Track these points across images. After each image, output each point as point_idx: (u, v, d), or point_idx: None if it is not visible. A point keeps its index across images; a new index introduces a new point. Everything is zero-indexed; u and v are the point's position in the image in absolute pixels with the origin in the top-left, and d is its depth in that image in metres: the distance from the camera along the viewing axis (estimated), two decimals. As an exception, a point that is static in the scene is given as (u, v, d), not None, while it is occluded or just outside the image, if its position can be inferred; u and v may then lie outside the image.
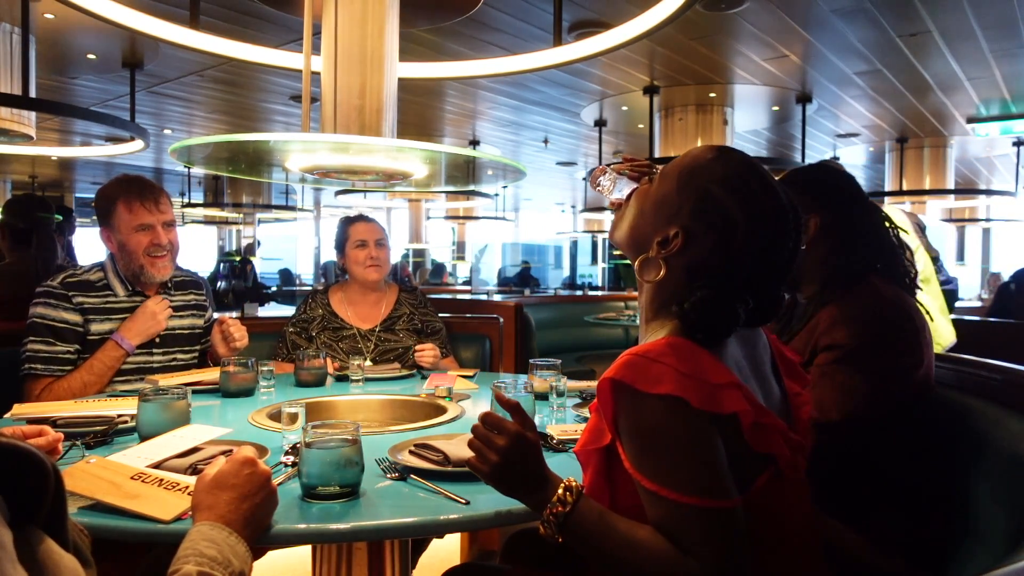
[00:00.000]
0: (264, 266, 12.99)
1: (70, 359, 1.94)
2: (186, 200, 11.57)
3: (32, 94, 4.10)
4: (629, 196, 1.09)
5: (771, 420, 0.95)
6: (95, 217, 2.16)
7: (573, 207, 15.65)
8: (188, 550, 0.88)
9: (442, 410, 1.74)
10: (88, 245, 9.15)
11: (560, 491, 0.94)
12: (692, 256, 0.99)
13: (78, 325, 1.97)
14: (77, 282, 2.02)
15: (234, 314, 2.73)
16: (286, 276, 12.50)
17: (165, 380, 1.91)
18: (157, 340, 2.09)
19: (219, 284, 8.95)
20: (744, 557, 0.89)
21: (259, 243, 12.98)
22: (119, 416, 1.52)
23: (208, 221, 14.57)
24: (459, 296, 7.38)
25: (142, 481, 1.07)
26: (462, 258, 14.13)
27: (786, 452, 0.94)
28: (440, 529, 1.13)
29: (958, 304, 9.44)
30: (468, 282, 12.57)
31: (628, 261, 1.12)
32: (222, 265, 10.12)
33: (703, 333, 0.96)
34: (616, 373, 0.92)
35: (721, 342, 0.98)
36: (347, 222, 2.57)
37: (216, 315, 2.27)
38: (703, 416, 0.89)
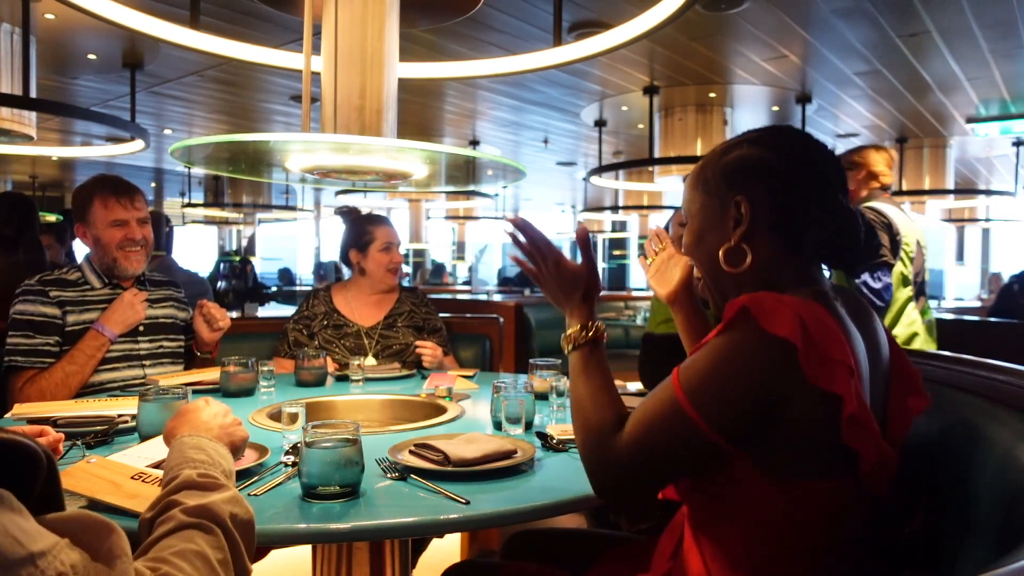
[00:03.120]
0: (264, 266, 12.99)
1: (51, 351, 1.96)
2: (186, 200, 11.56)
3: (32, 94, 4.10)
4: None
5: (872, 421, 0.91)
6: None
7: (573, 207, 15.65)
8: (177, 459, 0.89)
9: (442, 410, 1.74)
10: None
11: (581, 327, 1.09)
12: (766, 211, 1.02)
13: (56, 318, 1.99)
14: (54, 279, 2.06)
15: (234, 314, 2.73)
16: (285, 276, 12.45)
17: (165, 380, 1.92)
18: (141, 328, 2.11)
19: (219, 284, 8.95)
20: (653, 469, 0.95)
21: (248, 240, 12.92)
22: (119, 416, 1.52)
23: (208, 221, 14.57)
24: (459, 296, 7.38)
25: (142, 481, 1.07)
26: (462, 258, 14.13)
27: (872, 455, 0.91)
28: (440, 529, 1.13)
29: (958, 304, 9.44)
30: (468, 282, 12.57)
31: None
32: (222, 265, 10.11)
33: (846, 246, 1.01)
34: (747, 300, 0.91)
35: (847, 323, 0.97)
36: (369, 222, 2.57)
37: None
38: (799, 378, 0.88)
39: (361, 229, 2.55)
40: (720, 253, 1.03)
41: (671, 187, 7.27)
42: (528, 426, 1.52)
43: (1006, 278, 7.02)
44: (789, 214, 1.01)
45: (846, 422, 0.88)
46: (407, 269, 13.09)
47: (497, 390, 1.55)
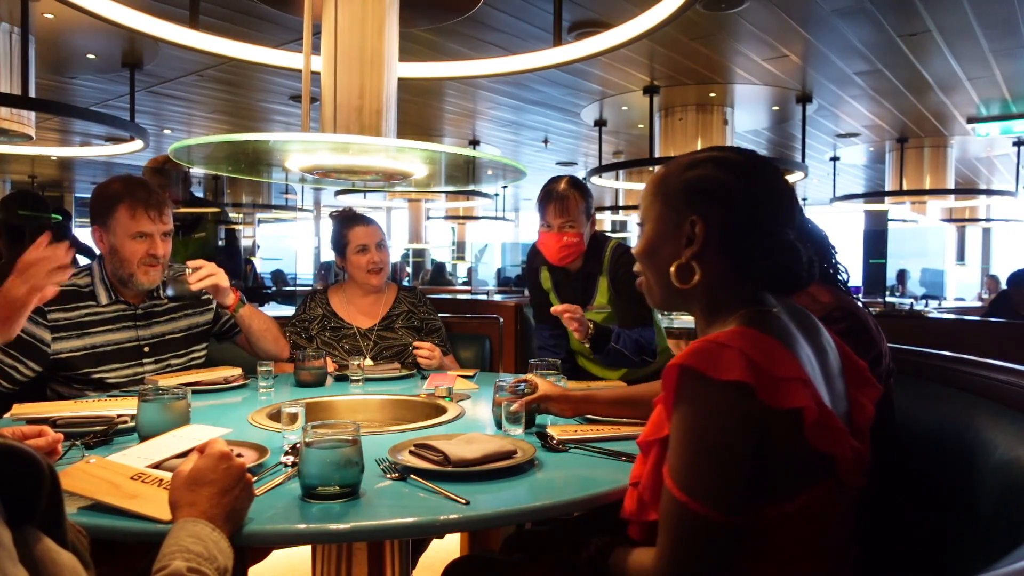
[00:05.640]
0: (264, 266, 12.97)
1: (12, 376, 1.87)
2: (186, 200, 11.52)
3: (32, 94, 4.10)
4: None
5: (835, 422, 0.94)
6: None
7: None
8: (173, 547, 0.88)
9: (442, 410, 1.73)
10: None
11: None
12: (717, 235, 1.02)
13: (44, 343, 1.91)
14: (58, 292, 1.96)
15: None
16: (278, 277, 12.38)
17: (165, 380, 1.91)
18: (146, 349, 2.05)
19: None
20: (706, 571, 0.91)
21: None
22: (119, 416, 1.52)
23: (208, 221, 14.52)
24: (459, 296, 7.37)
25: (142, 481, 1.07)
26: (462, 258, 14.12)
27: (848, 454, 0.93)
28: (440, 529, 1.13)
29: (958, 304, 9.43)
30: (468, 282, 12.55)
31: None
32: (221, 265, 10.05)
33: (787, 278, 1.01)
34: (686, 359, 0.92)
35: (791, 335, 0.99)
36: (344, 223, 2.51)
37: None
38: (763, 409, 0.89)
39: (338, 233, 2.50)
40: (672, 269, 1.05)
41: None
42: (528, 426, 1.52)
43: (1003, 279, 7.01)
44: (738, 241, 1.02)
45: (810, 430, 0.90)
46: (407, 269, 13.07)
47: (497, 390, 1.55)
